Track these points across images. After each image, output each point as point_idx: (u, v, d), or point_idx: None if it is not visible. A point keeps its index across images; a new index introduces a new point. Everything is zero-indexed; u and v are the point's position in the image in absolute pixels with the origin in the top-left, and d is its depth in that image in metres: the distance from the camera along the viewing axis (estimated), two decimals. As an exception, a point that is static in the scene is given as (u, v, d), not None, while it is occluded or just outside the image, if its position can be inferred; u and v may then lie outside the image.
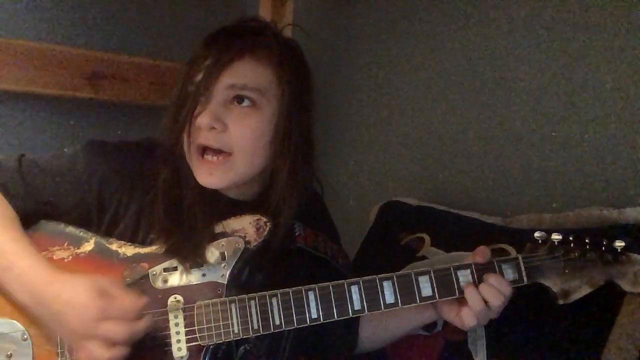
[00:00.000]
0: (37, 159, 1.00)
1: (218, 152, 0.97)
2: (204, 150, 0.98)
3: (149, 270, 0.94)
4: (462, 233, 1.28)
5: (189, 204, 0.98)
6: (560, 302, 0.97)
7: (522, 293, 1.01)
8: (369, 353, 1.20)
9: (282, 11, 1.88)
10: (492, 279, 0.96)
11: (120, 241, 0.97)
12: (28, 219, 0.97)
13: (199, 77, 0.96)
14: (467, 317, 0.96)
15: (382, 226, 1.52)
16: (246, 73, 0.96)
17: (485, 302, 0.95)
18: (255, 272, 1.01)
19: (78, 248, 0.96)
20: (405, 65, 1.62)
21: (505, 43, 1.36)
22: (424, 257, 1.30)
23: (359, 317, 1.14)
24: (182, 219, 0.97)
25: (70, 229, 0.98)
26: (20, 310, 0.90)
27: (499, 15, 1.37)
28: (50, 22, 1.60)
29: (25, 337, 0.91)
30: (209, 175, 0.97)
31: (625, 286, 0.96)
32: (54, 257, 0.95)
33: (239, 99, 0.97)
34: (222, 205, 1.03)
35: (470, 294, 0.95)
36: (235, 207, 1.03)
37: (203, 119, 0.95)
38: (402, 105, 1.64)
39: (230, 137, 0.96)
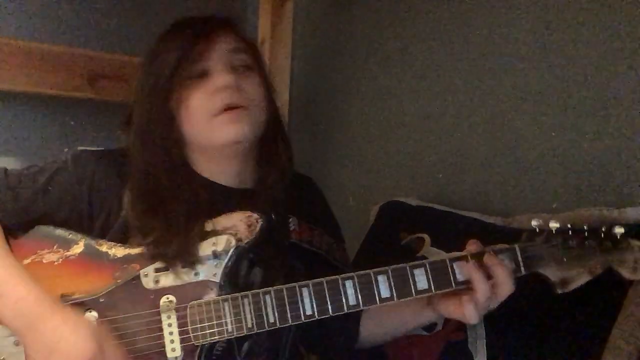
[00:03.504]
0: (26, 171, 1.00)
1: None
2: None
3: (140, 271, 0.93)
4: (462, 233, 1.26)
5: (185, 198, 0.98)
6: (559, 291, 0.93)
7: (522, 293, 1.00)
8: (370, 353, 1.19)
9: (282, 11, 1.88)
10: (488, 255, 0.94)
11: (110, 242, 0.96)
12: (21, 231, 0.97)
13: (192, 52, 0.99)
14: (467, 304, 0.92)
15: (382, 226, 1.52)
16: (235, 39, 1.04)
17: (489, 279, 0.92)
18: (253, 270, 1.01)
19: (67, 250, 0.95)
20: (405, 65, 1.62)
21: (506, 43, 1.35)
22: (424, 257, 1.29)
23: (359, 312, 1.13)
24: (175, 217, 0.96)
25: (59, 232, 0.97)
26: None
27: (500, 15, 1.36)
28: (50, 22, 1.61)
29: (18, 342, 0.88)
30: (237, 122, 0.99)
31: (625, 274, 0.93)
32: (44, 261, 0.94)
33: (240, 66, 1.02)
34: (218, 196, 1.02)
35: (470, 270, 0.93)
36: (232, 197, 1.03)
37: (226, 78, 0.98)
38: (401, 105, 1.63)
39: (246, 94, 1.00)
